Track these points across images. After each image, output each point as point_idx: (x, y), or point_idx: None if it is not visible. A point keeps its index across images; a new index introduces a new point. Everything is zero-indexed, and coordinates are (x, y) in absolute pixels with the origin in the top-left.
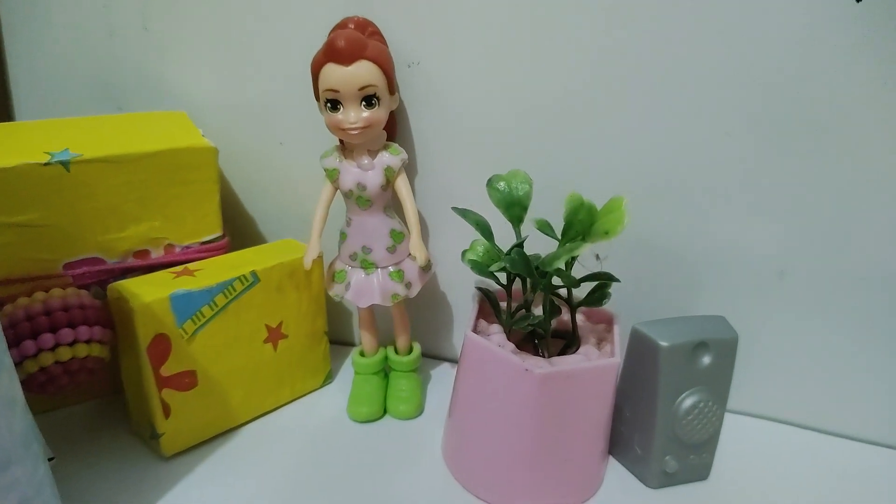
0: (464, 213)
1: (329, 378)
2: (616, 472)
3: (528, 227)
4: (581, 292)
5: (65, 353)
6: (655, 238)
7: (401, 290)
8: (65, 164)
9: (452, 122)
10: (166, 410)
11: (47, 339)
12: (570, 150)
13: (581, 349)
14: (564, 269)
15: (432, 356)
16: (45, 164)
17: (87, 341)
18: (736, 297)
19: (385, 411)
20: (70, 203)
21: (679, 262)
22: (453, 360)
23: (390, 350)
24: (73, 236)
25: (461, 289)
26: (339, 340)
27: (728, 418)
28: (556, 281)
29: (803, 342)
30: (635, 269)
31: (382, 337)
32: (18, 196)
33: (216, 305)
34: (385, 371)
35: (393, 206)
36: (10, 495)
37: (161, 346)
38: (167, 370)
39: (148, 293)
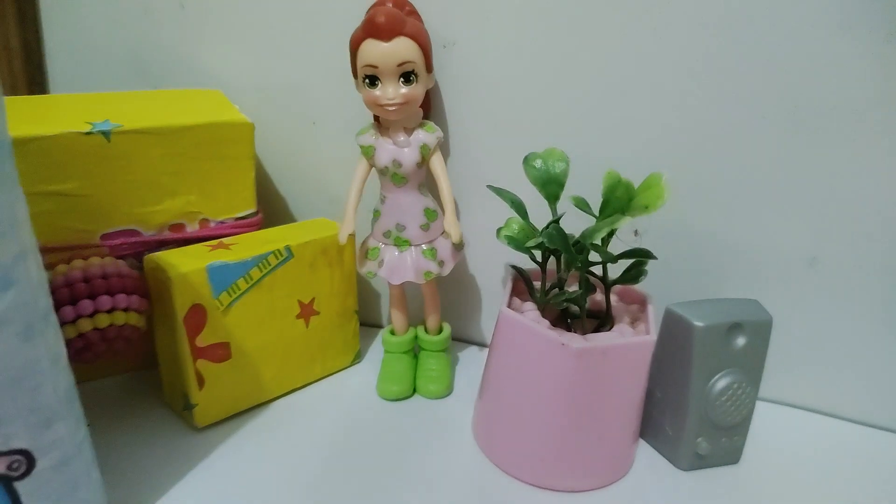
0: (499, 192)
1: (358, 357)
2: (646, 454)
3: (562, 207)
4: (615, 273)
5: (103, 320)
6: (686, 222)
7: (434, 267)
8: (105, 135)
9: (486, 103)
10: (200, 381)
11: (86, 305)
12: (603, 132)
13: (615, 328)
14: (601, 244)
15: (460, 339)
16: (87, 134)
17: (125, 309)
18: (766, 284)
19: (414, 391)
20: (109, 174)
21: (709, 246)
22: (481, 344)
23: (420, 330)
24: (111, 207)
25: (489, 272)
26: (367, 322)
27: (758, 406)
28: (592, 258)
29: (833, 331)
30: (665, 253)
31: (412, 317)
32: (59, 165)
33: (251, 279)
34: (414, 351)
35: (427, 184)
36: (52, 453)
37: (197, 317)
38: (202, 341)
39: (185, 264)
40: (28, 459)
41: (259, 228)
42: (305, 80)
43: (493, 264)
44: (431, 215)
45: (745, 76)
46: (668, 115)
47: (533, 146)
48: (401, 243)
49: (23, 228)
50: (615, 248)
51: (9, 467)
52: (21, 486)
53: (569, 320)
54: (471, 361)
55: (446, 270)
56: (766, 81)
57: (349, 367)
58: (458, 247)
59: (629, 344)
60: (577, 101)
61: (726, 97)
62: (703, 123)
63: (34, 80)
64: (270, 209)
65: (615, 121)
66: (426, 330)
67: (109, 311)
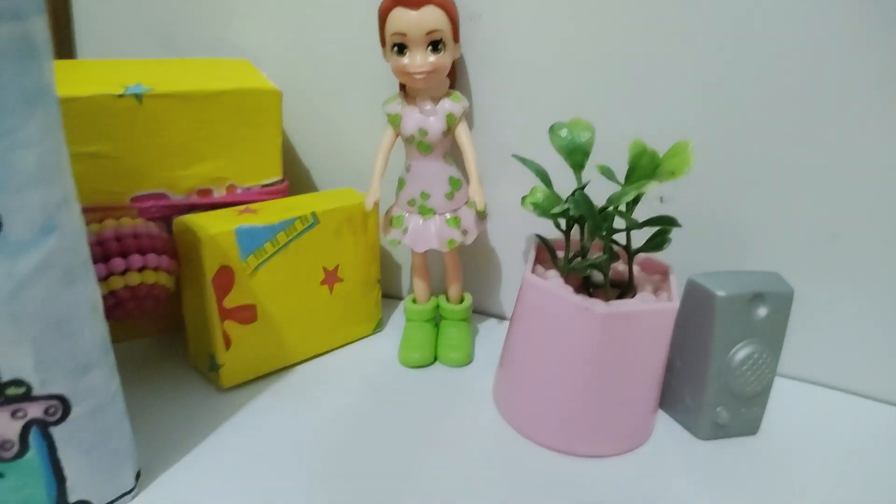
0: (524, 161)
1: (379, 326)
2: (665, 424)
3: (586, 177)
4: (637, 243)
5: (134, 279)
6: (707, 196)
7: (457, 236)
8: (138, 98)
9: (510, 75)
10: (227, 342)
11: (118, 263)
12: (626, 105)
13: (638, 296)
14: (626, 210)
15: (479, 312)
16: (119, 96)
17: (155, 269)
18: (786, 260)
19: (435, 359)
20: (140, 137)
21: (730, 221)
22: (500, 316)
23: (441, 299)
24: (142, 170)
25: (509, 245)
26: (387, 294)
27: (777, 382)
28: (616, 226)
29: (854, 307)
30: (686, 226)
31: (434, 287)
32: (92, 126)
33: (278, 243)
34: (435, 321)
35: (452, 154)
36: (87, 400)
37: (225, 278)
38: (230, 302)
39: (214, 226)
40: (64, 405)
41: (284, 196)
42: (331, 51)
43: (512, 237)
44: (456, 184)
45: (769, 50)
46: (692, 89)
47: (554, 119)
48: (425, 212)
49: (66, 176)
50: (639, 218)
51: (45, 412)
52: (56, 432)
53: (591, 290)
54: (490, 333)
55: (469, 239)
56: (790, 56)
57: (370, 335)
58: (481, 216)
59: (653, 310)
60: (601, 74)
61: (751, 70)
62: (727, 96)
63: (62, 49)
64: (294, 178)
65: (638, 93)
66: (447, 299)
67: (140, 270)
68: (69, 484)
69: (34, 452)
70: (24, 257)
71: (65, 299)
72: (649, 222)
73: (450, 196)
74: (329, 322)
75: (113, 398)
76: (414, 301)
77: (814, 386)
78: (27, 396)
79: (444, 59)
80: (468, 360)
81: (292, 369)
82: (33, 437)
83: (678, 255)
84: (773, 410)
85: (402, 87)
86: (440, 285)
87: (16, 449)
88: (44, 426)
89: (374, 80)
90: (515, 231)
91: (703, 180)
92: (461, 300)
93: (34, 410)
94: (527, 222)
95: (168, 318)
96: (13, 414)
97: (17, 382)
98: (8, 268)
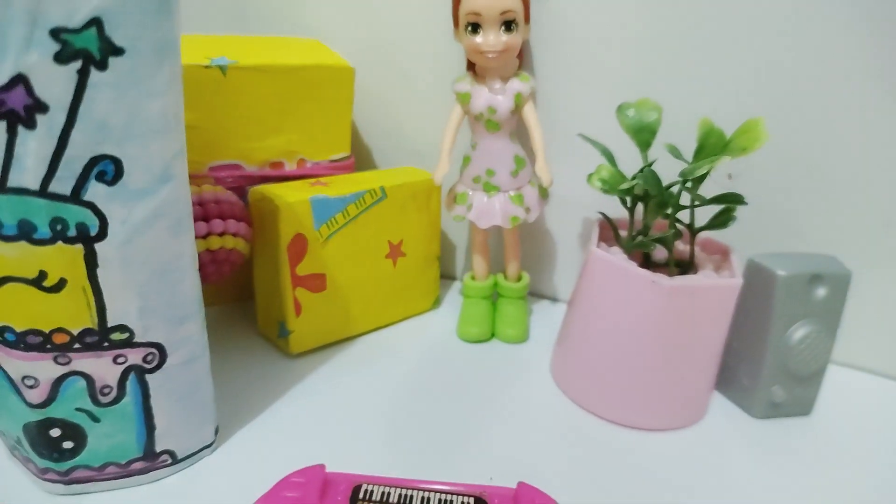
0: (591, 140)
1: (437, 303)
2: (719, 403)
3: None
4: (699, 222)
5: (214, 242)
6: (762, 178)
7: (521, 213)
8: (222, 69)
9: (573, 57)
10: (298, 308)
11: (200, 226)
12: (689, 88)
13: (700, 273)
14: (692, 186)
15: (532, 294)
16: (206, 67)
17: (234, 234)
18: (840, 245)
19: (492, 335)
20: (221, 108)
21: (785, 204)
22: (552, 298)
23: (499, 277)
24: (220, 141)
25: (563, 229)
26: (442, 273)
27: (830, 368)
28: (682, 203)
29: None
30: (740, 209)
31: (492, 265)
32: None
33: (348, 214)
34: (492, 299)
35: (517, 133)
36: (182, 350)
37: (299, 246)
38: (302, 270)
39: (291, 195)
40: (161, 353)
41: (350, 172)
42: (398, 34)
43: (567, 221)
44: (520, 162)
45: (832, 34)
46: (754, 70)
47: (609, 100)
48: (490, 189)
49: (182, 128)
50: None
51: (144, 359)
52: (152, 380)
53: (651, 269)
54: (544, 313)
55: (532, 217)
56: (855, 40)
57: (427, 311)
58: (543, 195)
59: (717, 285)
60: (662, 55)
61: (814, 54)
62: (790, 79)
63: None
64: (356, 157)
65: (701, 74)
66: (505, 277)
67: (221, 235)
68: (157, 433)
69: (129, 399)
70: (141, 205)
71: (171, 249)
72: (716, 199)
73: (514, 174)
74: (391, 295)
75: (203, 351)
76: (472, 278)
77: (864, 373)
78: (129, 342)
79: (516, 39)
80: (525, 338)
81: (355, 340)
82: (130, 384)
83: (732, 238)
84: (825, 394)
85: (471, 66)
86: (497, 264)
87: (113, 394)
88: (141, 373)
89: (435, 63)
90: (569, 215)
91: (759, 163)
92: (519, 278)
93: (134, 357)
94: (580, 206)
95: (235, 287)
96: (115, 359)
97: (122, 328)
98: (125, 214)
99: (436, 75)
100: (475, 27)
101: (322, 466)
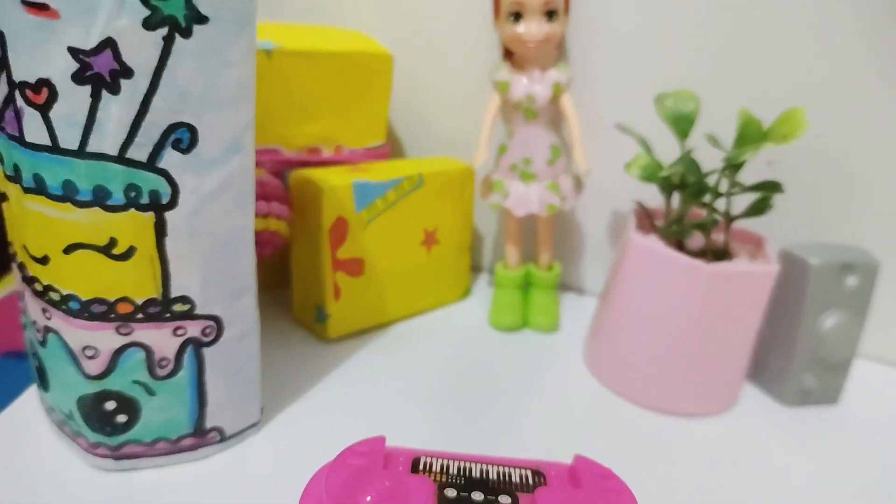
0: (627, 130)
1: (467, 292)
2: (750, 391)
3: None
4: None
5: (258, 224)
6: (793, 168)
7: (557, 201)
8: (268, 52)
9: (609, 47)
10: (336, 292)
11: None
12: (725, 76)
13: (735, 261)
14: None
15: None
16: None
17: (277, 217)
18: (866, 237)
19: (524, 324)
20: (265, 91)
21: (814, 195)
22: (579, 290)
23: (531, 266)
24: (261, 124)
25: (592, 221)
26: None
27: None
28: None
29: None
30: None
31: (524, 254)
32: None
33: (388, 200)
34: (523, 288)
35: (553, 122)
36: (237, 324)
37: (340, 229)
38: (342, 253)
39: (333, 179)
40: (219, 327)
41: (385, 160)
42: (433, 26)
43: (596, 213)
44: (556, 152)
45: (864, 28)
46: (791, 63)
47: (647, 91)
48: (526, 177)
49: (253, 99)
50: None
51: (203, 331)
52: (207, 353)
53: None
54: (572, 304)
55: (568, 206)
56: (891, 33)
57: (458, 301)
58: (578, 185)
59: (755, 272)
60: (701, 47)
61: (850, 47)
62: (829, 73)
63: None
64: (389, 145)
65: (738, 65)
66: (537, 266)
67: (264, 216)
68: (209, 409)
69: (185, 372)
70: (211, 174)
71: (235, 221)
72: (754, 187)
73: (551, 163)
74: (425, 283)
75: (255, 327)
76: (504, 267)
77: (888, 366)
78: (189, 314)
79: (557, 29)
80: (556, 327)
81: (389, 326)
82: (187, 357)
83: (761, 230)
84: (851, 384)
85: (507, 55)
86: (527, 254)
87: (170, 367)
88: (198, 346)
89: (470, 54)
90: (599, 207)
91: (788, 154)
92: (550, 268)
93: (193, 329)
94: (610, 199)
95: (266, 275)
96: (175, 331)
97: (184, 299)
98: (196, 184)
99: (465, 66)
100: (517, 16)
101: (382, 438)
